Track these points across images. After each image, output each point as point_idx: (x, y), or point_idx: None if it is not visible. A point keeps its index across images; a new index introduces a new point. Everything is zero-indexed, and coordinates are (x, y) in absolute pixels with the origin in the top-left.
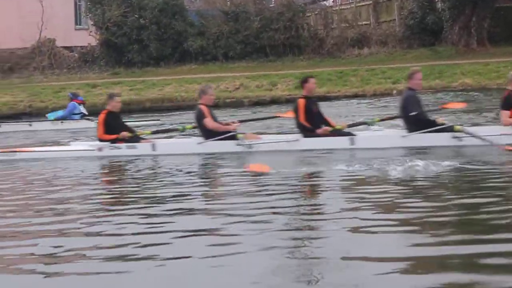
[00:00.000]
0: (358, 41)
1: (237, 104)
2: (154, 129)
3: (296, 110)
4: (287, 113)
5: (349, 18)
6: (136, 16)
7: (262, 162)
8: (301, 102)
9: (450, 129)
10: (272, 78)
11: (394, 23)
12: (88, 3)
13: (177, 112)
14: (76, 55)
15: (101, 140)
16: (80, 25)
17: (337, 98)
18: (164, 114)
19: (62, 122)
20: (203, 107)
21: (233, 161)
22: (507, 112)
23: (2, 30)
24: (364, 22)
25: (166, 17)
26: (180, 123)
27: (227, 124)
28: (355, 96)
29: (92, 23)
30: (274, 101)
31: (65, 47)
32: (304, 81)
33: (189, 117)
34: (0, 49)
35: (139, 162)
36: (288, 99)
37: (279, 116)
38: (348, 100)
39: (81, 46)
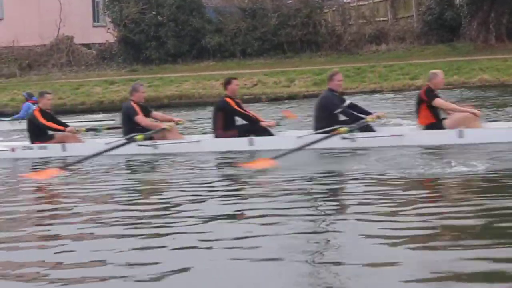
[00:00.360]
0: (375, 37)
1: (254, 100)
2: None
3: (227, 109)
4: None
5: (367, 14)
6: (153, 13)
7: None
8: (230, 100)
9: (336, 131)
10: (289, 75)
11: (412, 19)
12: (106, 0)
13: (195, 108)
14: (94, 52)
15: (50, 129)
16: (98, 22)
17: (354, 94)
18: (183, 111)
19: (20, 122)
20: (133, 104)
21: (134, 163)
22: (439, 99)
23: (21, 28)
24: (381, 18)
25: (183, 14)
26: (100, 124)
27: (170, 120)
28: (373, 92)
29: (110, 20)
30: (291, 98)
31: (83, 44)
32: (227, 82)
33: (205, 114)
34: (18, 46)
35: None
36: (305, 95)
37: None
38: (368, 95)
39: (99, 43)
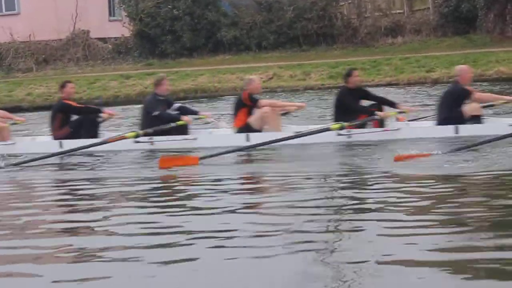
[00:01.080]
0: (391, 29)
1: (270, 93)
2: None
3: (70, 109)
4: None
5: (383, 7)
6: (169, 7)
7: None
8: (69, 101)
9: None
10: (305, 68)
11: (428, 11)
12: None
13: (210, 102)
14: (110, 46)
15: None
16: (113, 16)
17: (370, 87)
18: (198, 105)
19: None
20: None
21: None
22: (265, 100)
23: (37, 22)
24: (397, 11)
25: (199, 8)
26: None
27: (10, 119)
28: (389, 85)
29: (125, 14)
30: (307, 91)
31: (99, 39)
32: (62, 86)
33: (220, 105)
34: (35, 41)
35: None
36: (321, 88)
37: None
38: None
39: (114, 38)
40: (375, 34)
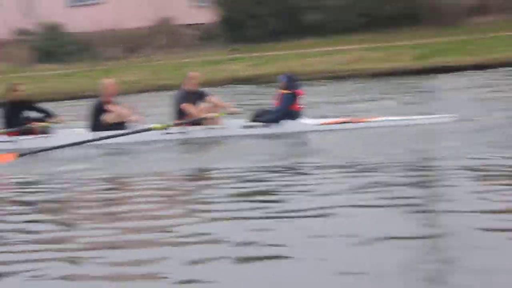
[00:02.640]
0: (478, 8)
1: (355, 76)
2: None
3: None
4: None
5: None
6: None
7: None
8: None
9: None
10: (390, 50)
11: None
12: None
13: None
14: (195, 32)
15: None
16: (198, 2)
17: (458, 69)
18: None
19: None
20: None
21: None
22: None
23: (122, 10)
24: None
25: None
26: None
27: None
28: (477, 66)
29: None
30: (392, 73)
31: (185, 25)
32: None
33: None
34: (120, 29)
35: None
36: (407, 72)
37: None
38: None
39: (200, 24)
40: (461, 13)
